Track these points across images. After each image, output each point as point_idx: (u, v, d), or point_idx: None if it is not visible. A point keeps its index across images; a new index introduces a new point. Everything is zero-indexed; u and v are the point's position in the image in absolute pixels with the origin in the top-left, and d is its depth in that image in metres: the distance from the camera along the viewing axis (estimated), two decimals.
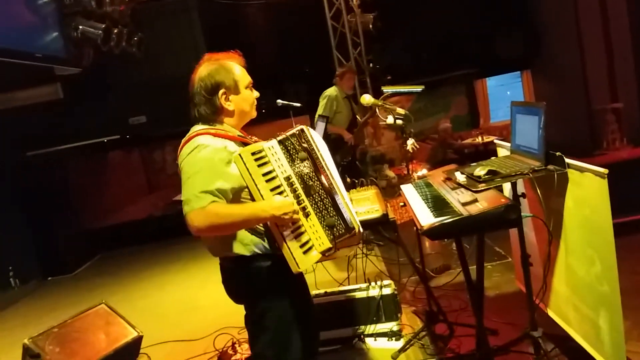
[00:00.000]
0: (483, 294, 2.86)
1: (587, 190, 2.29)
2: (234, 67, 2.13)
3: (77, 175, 8.01)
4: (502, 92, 10.20)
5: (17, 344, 3.27)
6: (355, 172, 5.79)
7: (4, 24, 4.24)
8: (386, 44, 8.18)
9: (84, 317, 3.53)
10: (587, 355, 2.51)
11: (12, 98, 6.18)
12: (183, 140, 2.06)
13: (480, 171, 2.45)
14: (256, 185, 1.96)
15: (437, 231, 2.24)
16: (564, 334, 2.77)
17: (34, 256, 6.97)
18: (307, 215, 2.04)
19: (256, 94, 2.20)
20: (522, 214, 2.42)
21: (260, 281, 2.07)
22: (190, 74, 2.13)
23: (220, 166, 1.96)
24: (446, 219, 2.23)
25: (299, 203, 2.02)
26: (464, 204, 2.28)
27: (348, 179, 3.96)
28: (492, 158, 3.05)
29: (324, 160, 2.15)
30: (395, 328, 3.38)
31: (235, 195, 2.00)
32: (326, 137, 5.33)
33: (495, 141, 3.42)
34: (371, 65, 7.74)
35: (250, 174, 1.96)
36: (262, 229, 2.05)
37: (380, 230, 4.59)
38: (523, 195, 2.65)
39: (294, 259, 1.97)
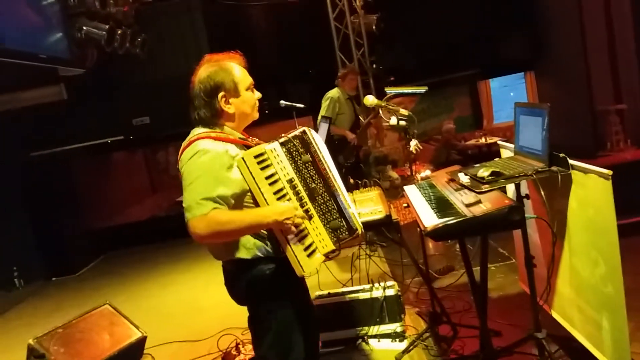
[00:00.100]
0: (487, 295, 2.86)
1: (591, 192, 2.29)
2: (234, 69, 2.08)
3: (81, 176, 8.03)
4: (506, 93, 10.19)
5: (22, 344, 3.28)
6: (359, 173, 5.80)
7: (9, 25, 4.26)
8: (389, 45, 8.17)
9: (88, 318, 3.54)
10: (591, 357, 2.50)
11: (16, 99, 6.20)
12: (183, 144, 2.04)
13: (483, 172, 2.45)
14: (260, 189, 1.96)
15: (441, 232, 2.24)
16: (568, 335, 2.77)
17: (39, 256, 6.99)
18: (310, 217, 2.04)
19: (258, 95, 2.17)
20: (525, 215, 2.41)
21: (263, 284, 2.06)
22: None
23: (221, 172, 1.94)
24: (450, 220, 2.23)
25: (302, 206, 2.02)
26: (468, 205, 2.28)
27: (351, 180, 3.95)
28: (496, 159, 3.04)
29: (326, 162, 2.15)
30: (398, 329, 3.37)
31: (237, 200, 1.98)
32: (329, 138, 5.34)
33: (499, 142, 3.41)
34: (374, 66, 7.73)
35: (254, 178, 1.95)
36: (265, 233, 2.05)
37: (384, 232, 4.61)
38: (527, 196, 2.65)
39: (299, 262, 1.98)
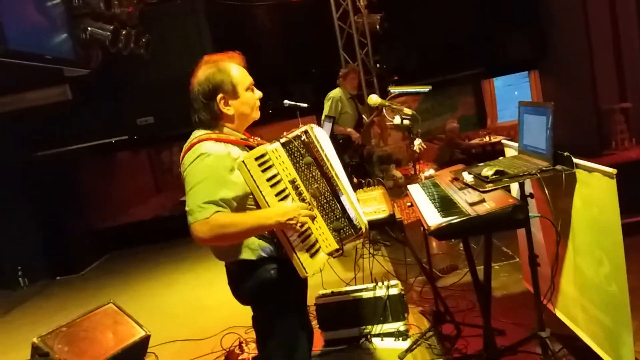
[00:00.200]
0: (490, 294, 2.86)
1: (595, 191, 2.28)
2: (232, 70, 2.05)
3: (85, 176, 8.07)
4: (510, 92, 10.17)
5: (26, 342, 3.29)
6: (362, 172, 5.80)
7: (14, 26, 4.27)
8: (393, 44, 8.16)
9: (92, 317, 3.55)
10: (595, 356, 2.49)
11: (21, 99, 6.24)
12: (185, 147, 2.03)
13: (487, 171, 2.44)
14: (261, 192, 1.95)
15: (445, 231, 2.24)
16: (571, 335, 2.76)
17: (43, 256, 7.01)
18: (313, 217, 2.03)
19: (259, 94, 2.14)
20: (529, 214, 2.41)
21: (267, 285, 2.05)
22: None
23: (223, 175, 1.93)
24: (453, 219, 2.22)
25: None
26: (472, 204, 2.28)
27: (355, 179, 3.97)
28: (500, 158, 3.04)
29: (329, 160, 2.12)
30: (402, 328, 3.37)
31: (240, 203, 1.98)
32: (333, 138, 5.34)
33: (503, 141, 3.41)
34: (378, 65, 7.73)
35: (255, 181, 1.94)
36: (268, 234, 2.04)
37: (387, 231, 4.60)
38: (531, 195, 2.64)
39: (302, 264, 1.98)
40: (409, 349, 3.17)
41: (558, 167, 2.40)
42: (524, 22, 8.14)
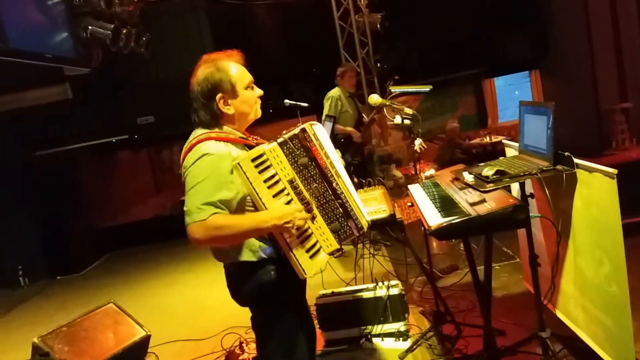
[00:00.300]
0: (491, 294, 2.86)
1: (596, 191, 2.28)
2: (231, 69, 2.03)
3: (85, 175, 8.06)
4: (511, 92, 10.16)
5: (26, 342, 3.29)
6: (363, 172, 5.80)
7: (15, 25, 4.27)
8: (394, 43, 8.16)
9: (93, 316, 3.55)
10: (596, 356, 2.49)
11: (22, 98, 6.24)
12: (185, 147, 2.01)
13: (488, 171, 2.44)
14: (257, 194, 1.93)
15: (445, 231, 2.23)
16: (572, 335, 2.76)
17: (43, 255, 7.02)
18: (313, 217, 2.02)
19: (259, 92, 2.13)
20: (530, 214, 2.41)
21: (268, 287, 2.04)
22: None
23: (224, 175, 1.91)
24: (454, 219, 2.22)
25: (304, 205, 2.00)
26: (472, 204, 2.28)
27: (355, 179, 3.96)
28: (501, 158, 3.04)
29: (328, 159, 2.10)
30: (402, 328, 3.37)
31: (240, 203, 1.96)
32: (334, 137, 5.34)
33: (504, 141, 3.41)
34: (379, 65, 7.72)
35: (251, 183, 1.92)
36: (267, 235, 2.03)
37: (388, 231, 4.60)
38: (531, 195, 2.64)
39: (300, 266, 1.97)
40: (410, 349, 3.17)
41: (559, 167, 2.39)
42: (525, 22, 8.13)
